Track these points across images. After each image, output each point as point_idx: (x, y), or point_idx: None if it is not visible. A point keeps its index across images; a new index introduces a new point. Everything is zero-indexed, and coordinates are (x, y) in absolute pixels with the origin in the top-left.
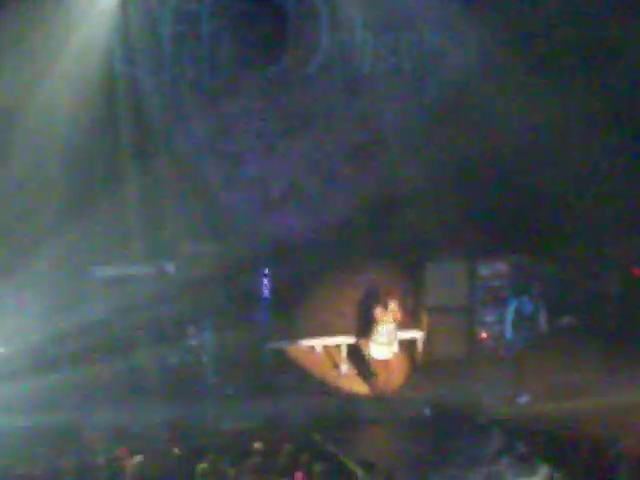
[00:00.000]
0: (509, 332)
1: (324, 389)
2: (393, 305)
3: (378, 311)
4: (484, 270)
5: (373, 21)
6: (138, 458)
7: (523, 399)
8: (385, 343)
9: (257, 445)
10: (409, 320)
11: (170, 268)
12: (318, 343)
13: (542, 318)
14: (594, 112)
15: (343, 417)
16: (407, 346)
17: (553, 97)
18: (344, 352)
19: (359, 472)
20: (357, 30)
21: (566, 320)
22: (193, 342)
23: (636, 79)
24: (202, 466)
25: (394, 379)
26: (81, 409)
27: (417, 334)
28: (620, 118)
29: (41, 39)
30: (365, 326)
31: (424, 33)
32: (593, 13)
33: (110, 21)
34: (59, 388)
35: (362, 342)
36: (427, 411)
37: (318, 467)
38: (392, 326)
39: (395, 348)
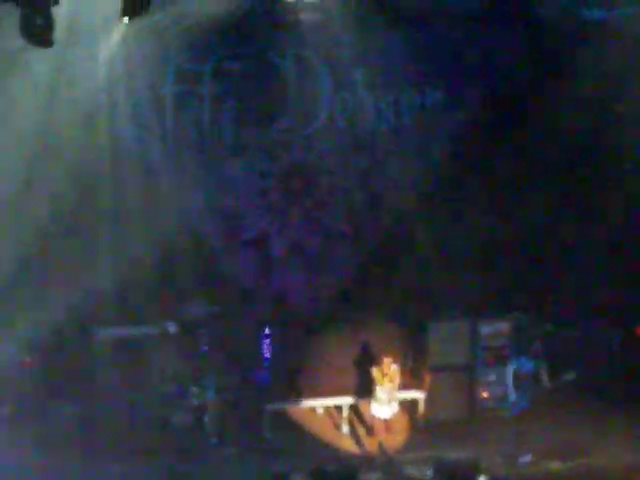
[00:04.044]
0: (510, 391)
1: (325, 451)
2: (392, 364)
3: (377, 370)
4: (485, 330)
5: (374, 80)
6: None
7: (525, 459)
8: (385, 402)
9: None
10: (410, 380)
11: (172, 329)
12: (319, 404)
13: (543, 377)
14: None
15: (344, 478)
16: (408, 406)
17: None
18: (345, 412)
19: None
20: (358, 89)
21: (567, 378)
22: (195, 402)
23: None
24: None
25: (395, 439)
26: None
27: (418, 394)
28: None
29: (44, 100)
30: (365, 385)
31: (425, 91)
32: None
33: (112, 81)
34: (61, 447)
35: (362, 402)
36: (429, 472)
37: None
38: (391, 385)
39: (395, 407)
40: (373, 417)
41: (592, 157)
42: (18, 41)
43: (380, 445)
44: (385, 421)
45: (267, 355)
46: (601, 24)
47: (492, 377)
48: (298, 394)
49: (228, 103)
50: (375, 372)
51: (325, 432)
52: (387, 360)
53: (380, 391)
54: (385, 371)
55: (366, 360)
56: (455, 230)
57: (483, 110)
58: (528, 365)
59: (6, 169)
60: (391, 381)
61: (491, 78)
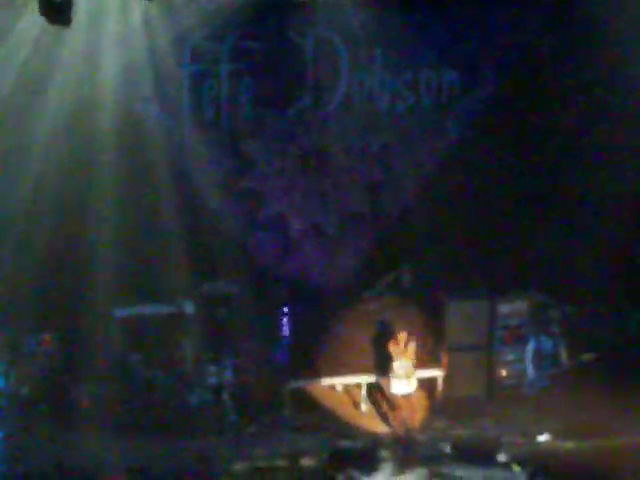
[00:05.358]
0: (529, 370)
1: (344, 429)
2: (410, 341)
3: (395, 347)
4: (504, 308)
5: (392, 59)
6: None
7: (544, 437)
8: (403, 377)
9: None
10: (429, 359)
11: (190, 308)
12: (338, 382)
13: (562, 356)
14: None
15: (364, 456)
16: (427, 385)
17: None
18: (364, 390)
19: None
20: (376, 69)
21: (586, 357)
22: (213, 381)
23: None
24: None
25: (415, 416)
26: (100, 448)
27: (437, 373)
28: None
29: (60, 77)
30: (383, 363)
31: (442, 70)
32: None
33: (129, 60)
34: (78, 427)
35: (381, 379)
36: (448, 449)
37: None
38: (410, 361)
39: (414, 384)
40: (392, 395)
41: (618, 132)
42: (37, 21)
43: (399, 423)
44: (404, 398)
45: (285, 334)
46: None
47: (511, 356)
48: (316, 373)
49: (246, 82)
50: (392, 348)
51: (344, 410)
52: (402, 335)
53: (397, 367)
54: (401, 346)
55: (384, 339)
56: (473, 209)
57: (501, 89)
58: (547, 344)
59: (21, 153)
60: (408, 357)
61: (509, 56)
